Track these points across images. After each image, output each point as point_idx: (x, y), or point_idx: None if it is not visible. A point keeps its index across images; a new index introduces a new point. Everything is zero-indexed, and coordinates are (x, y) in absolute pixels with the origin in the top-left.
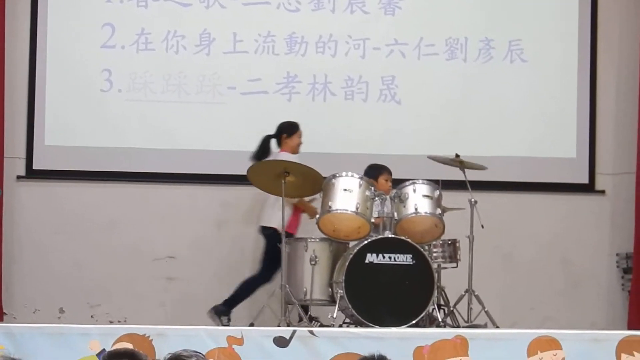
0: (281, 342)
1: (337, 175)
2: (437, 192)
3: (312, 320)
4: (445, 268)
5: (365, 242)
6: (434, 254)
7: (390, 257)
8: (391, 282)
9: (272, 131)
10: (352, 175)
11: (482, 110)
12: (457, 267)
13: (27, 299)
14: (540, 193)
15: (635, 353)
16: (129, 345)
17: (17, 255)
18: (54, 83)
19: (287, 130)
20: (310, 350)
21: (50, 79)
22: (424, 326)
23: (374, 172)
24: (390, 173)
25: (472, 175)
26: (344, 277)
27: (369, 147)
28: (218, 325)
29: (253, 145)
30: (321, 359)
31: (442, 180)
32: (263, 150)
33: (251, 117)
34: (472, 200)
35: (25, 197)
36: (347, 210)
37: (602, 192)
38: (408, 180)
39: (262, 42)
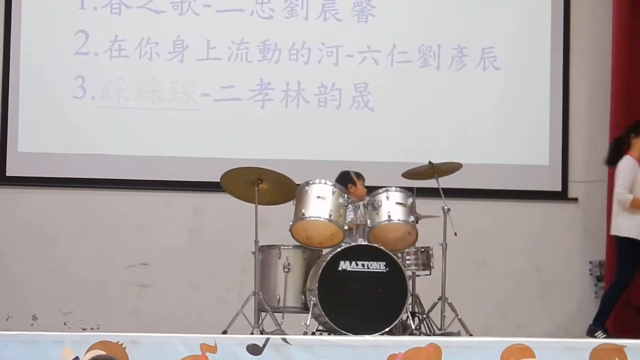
0: (254, 349)
1: (311, 182)
2: (410, 200)
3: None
4: (418, 275)
5: (339, 249)
6: (407, 262)
7: (363, 265)
8: (364, 289)
9: (246, 139)
10: (325, 183)
11: (455, 118)
12: (430, 274)
13: (0, 306)
14: (513, 200)
15: None
16: (102, 353)
17: None
18: (27, 89)
19: (636, 130)
20: (284, 358)
21: (24, 85)
22: (398, 334)
23: (352, 178)
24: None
25: (446, 183)
26: (317, 285)
27: (342, 154)
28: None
29: (226, 152)
30: None
31: (416, 188)
32: (616, 153)
33: (224, 123)
34: (446, 207)
35: None
36: (320, 217)
37: (575, 199)
38: (382, 187)
39: (236, 49)
